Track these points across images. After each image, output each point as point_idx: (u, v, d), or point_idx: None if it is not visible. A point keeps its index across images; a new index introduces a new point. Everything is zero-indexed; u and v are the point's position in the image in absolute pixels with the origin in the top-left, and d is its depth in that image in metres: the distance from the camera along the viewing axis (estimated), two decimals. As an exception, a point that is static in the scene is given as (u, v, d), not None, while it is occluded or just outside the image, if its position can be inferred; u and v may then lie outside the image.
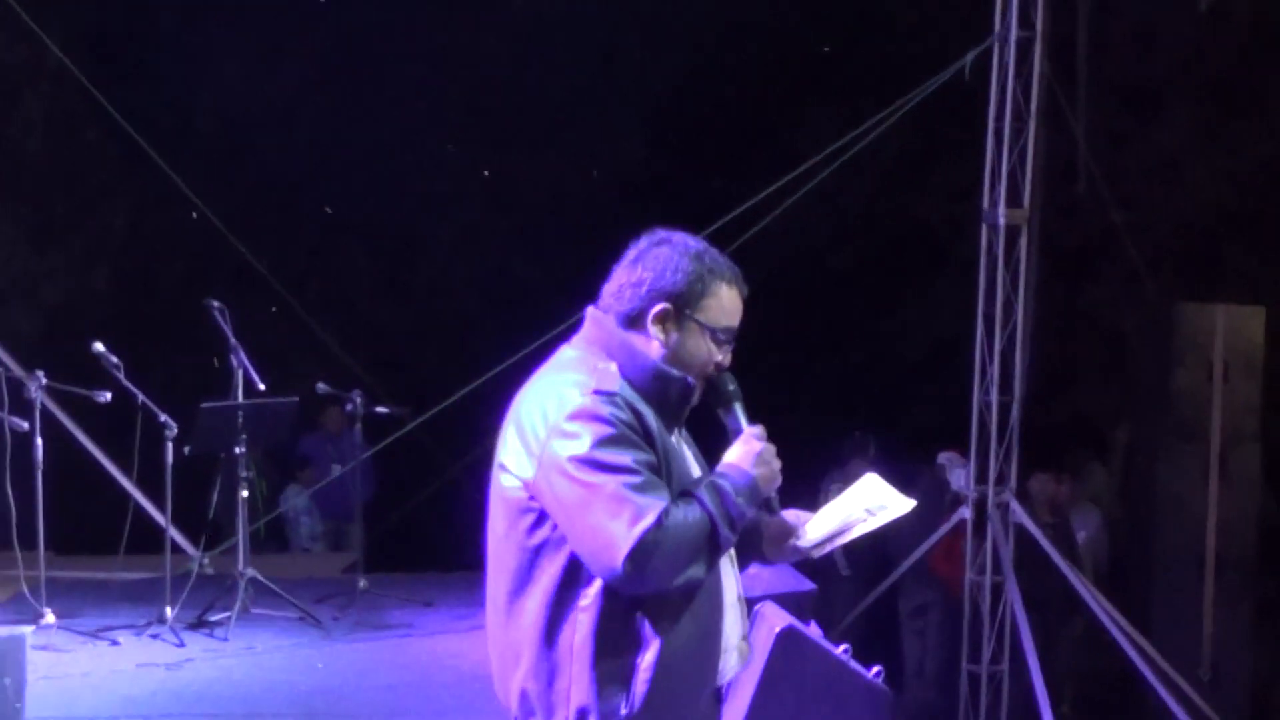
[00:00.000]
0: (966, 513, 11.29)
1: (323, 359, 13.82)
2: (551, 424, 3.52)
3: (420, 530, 12.96)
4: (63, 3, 13.69)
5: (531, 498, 3.56)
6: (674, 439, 3.68)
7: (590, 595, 3.52)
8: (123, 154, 13.38)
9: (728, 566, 3.75)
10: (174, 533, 9.55)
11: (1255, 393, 12.69)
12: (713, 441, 3.86)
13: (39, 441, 8.63)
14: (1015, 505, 11.21)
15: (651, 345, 3.67)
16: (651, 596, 3.50)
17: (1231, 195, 15.45)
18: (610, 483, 3.44)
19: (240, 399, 9.21)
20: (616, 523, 3.40)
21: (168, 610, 8.69)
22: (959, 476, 11.63)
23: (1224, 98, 15.49)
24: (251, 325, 10.08)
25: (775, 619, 6.50)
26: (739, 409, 3.76)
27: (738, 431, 3.74)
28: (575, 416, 3.50)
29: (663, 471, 3.54)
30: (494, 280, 15.95)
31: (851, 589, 11.60)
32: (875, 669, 6.94)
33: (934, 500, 11.81)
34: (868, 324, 16.51)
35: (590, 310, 3.77)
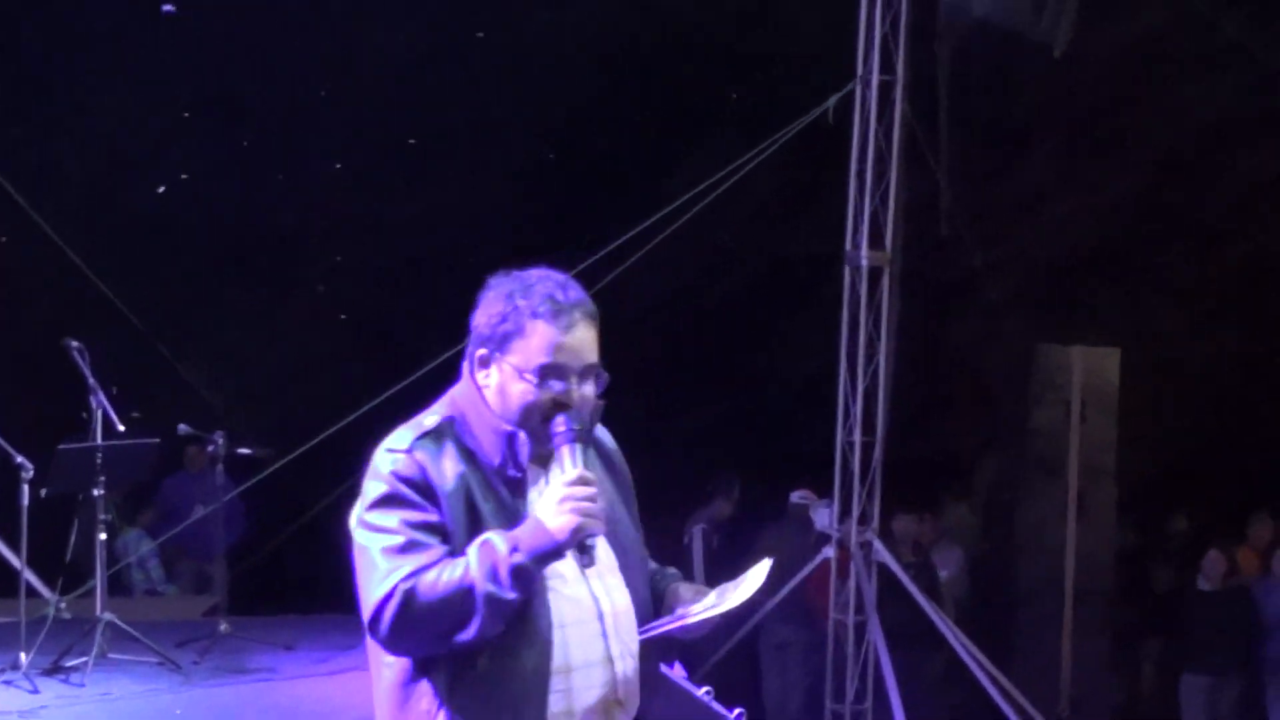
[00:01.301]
0: (830, 551, 11.39)
1: (185, 399, 13.64)
2: (363, 482, 3.55)
3: (283, 572, 12.84)
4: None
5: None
6: (516, 494, 3.55)
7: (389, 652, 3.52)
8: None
9: (591, 624, 3.59)
10: (30, 576, 9.37)
11: (1111, 431, 12.99)
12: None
13: (-110, 484, 8.46)
14: (878, 544, 11.32)
15: (489, 394, 3.60)
16: (437, 658, 3.44)
17: (1089, 237, 15.73)
18: (372, 545, 3.42)
19: (99, 440, 9.08)
20: (368, 586, 3.40)
21: (22, 656, 8.53)
22: (823, 516, 11.74)
23: (1081, 140, 15.79)
24: (113, 365, 9.94)
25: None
26: (567, 451, 3.54)
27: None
28: (368, 475, 3.50)
29: (458, 531, 3.45)
30: (361, 319, 15.85)
31: (716, 630, 11.62)
32: (737, 712, 6.97)
33: (798, 538, 11.91)
34: (735, 362, 16.60)
35: (464, 360, 3.71)
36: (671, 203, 11.92)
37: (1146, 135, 15.79)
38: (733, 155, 11.91)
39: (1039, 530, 12.87)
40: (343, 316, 15.99)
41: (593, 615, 3.60)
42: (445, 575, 3.37)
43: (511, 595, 3.38)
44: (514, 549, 3.39)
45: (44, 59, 14.73)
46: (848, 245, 11.58)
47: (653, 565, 3.90)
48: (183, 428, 10.35)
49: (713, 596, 3.72)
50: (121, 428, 9.10)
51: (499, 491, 3.53)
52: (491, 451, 3.54)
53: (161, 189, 15.14)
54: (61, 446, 8.96)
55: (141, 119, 15.04)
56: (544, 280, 3.61)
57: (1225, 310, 16.73)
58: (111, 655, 8.89)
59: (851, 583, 11.35)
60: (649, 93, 16.33)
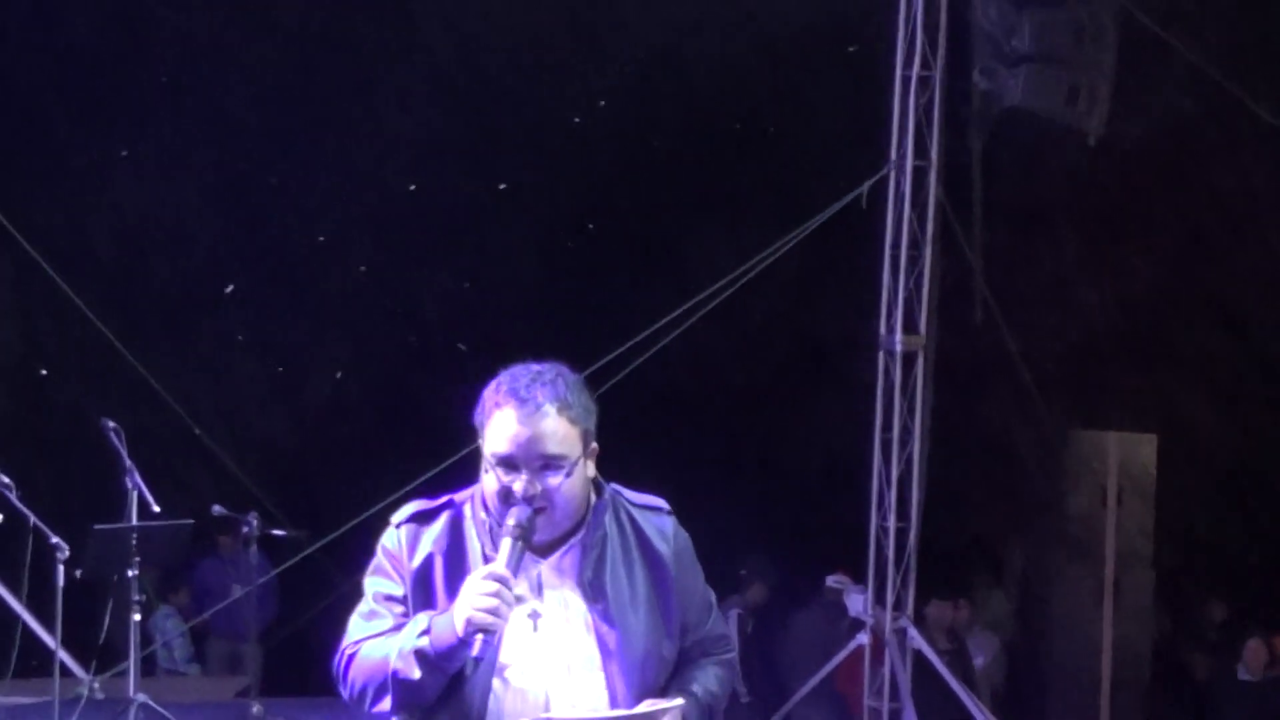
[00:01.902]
0: (864, 638, 11.31)
1: (219, 479, 13.66)
2: None
3: (315, 653, 12.78)
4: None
5: None
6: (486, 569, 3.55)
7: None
8: (16, 268, 13.24)
9: (535, 690, 3.61)
10: (64, 655, 9.35)
11: (1148, 517, 12.89)
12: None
13: (-74, 563, 8.47)
14: (912, 631, 11.24)
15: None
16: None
17: (1121, 321, 15.71)
18: (355, 612, 3.71)
19: (134, 520, 9.09)
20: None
21: (56, 737, 8.51)
22: (856, 602, 11.66)
23: (1113, 224, 15.79)
24: (148, 445, 9.97)
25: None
26: (505, 544, 3.55)
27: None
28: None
29: (414, 606, 3.63)
30: (393, 401, 15.87)
31: (751, 713, 11.55)
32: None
33: (831, 624, 11.84)
34: (767, 445, 16.56)
35: None
36: (701, 284, 11.93)
37: (1179, 218, 15.80)
38: (765, 237, 11.93)
39: (1074, 617, 12.78)
40: (367, 405, 16.01)
41: (538, 710, 3.61)
42: (379, 647, 3.58)
43: (415, 676, 3.52)
44: (424, 632, 3.53)
45: (76, 137, 14.87)
46: (881, 329, 11.56)
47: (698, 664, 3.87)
48: (217, 509, 10.37)
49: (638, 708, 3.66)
50: (157, 509, 9.11)
51: (466, 570, 3.64)
52: (484, 538, 3.67)
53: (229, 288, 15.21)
54: (97, 527, 8.97)
55: (174, 199, 15.16)
56: (523, 372, 3.67)
57: (1260, 394, 16.65)
58: (144, 737, 8.87)
59: (886, 669, 11.26)
60: (681, 173, 16.39)
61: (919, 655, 11.23)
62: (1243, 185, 15.88)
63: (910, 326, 11.53)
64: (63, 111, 15.03)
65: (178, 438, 13.85)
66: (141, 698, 8.89)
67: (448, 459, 10.54)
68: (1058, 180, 15.35)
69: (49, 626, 9.39)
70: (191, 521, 9.67)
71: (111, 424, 9.15)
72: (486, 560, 3.59)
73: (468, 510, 3.70)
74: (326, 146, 15.07)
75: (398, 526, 3.70)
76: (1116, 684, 12.68)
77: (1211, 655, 12.99)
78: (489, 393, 3.66)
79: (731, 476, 16.36)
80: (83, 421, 9.94)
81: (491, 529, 3.63)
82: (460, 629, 3.46)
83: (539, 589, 3.67)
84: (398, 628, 3.59)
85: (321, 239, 15.36)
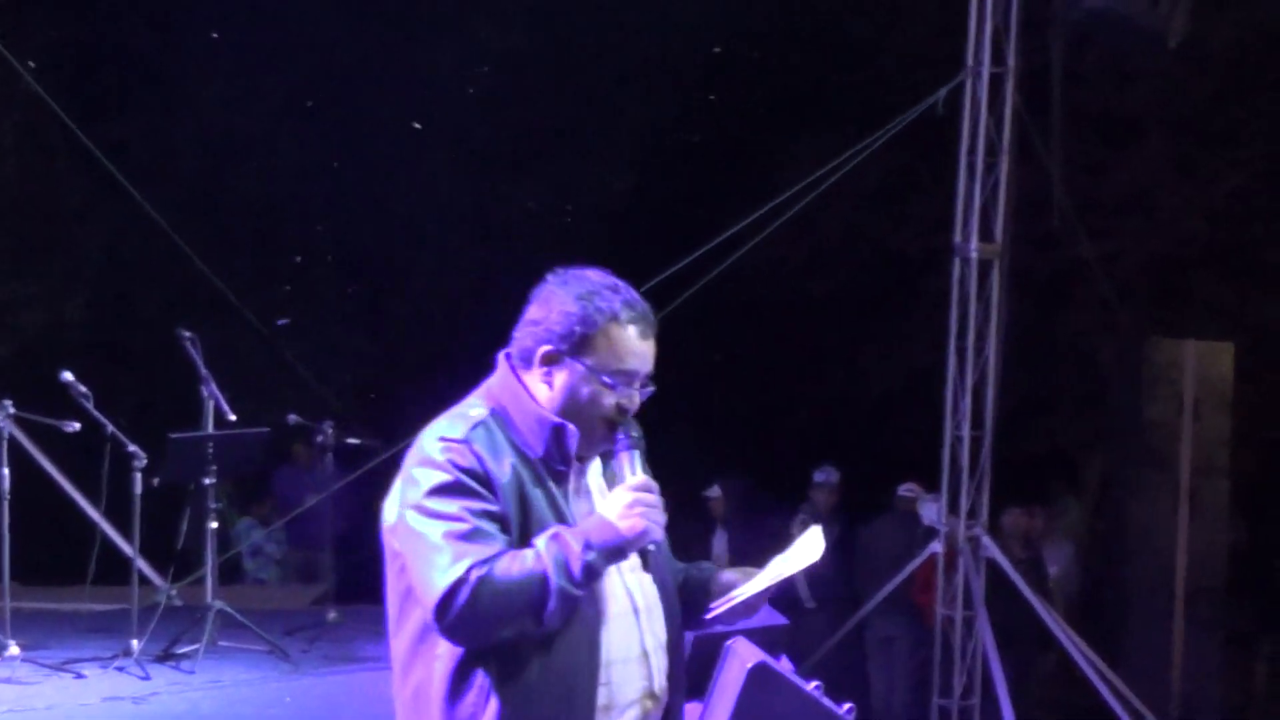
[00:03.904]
0: (938, 547, 11.29)
1: (296, 389, 13.77)
2: (406, 470, 3.53)
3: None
4: (35, 30, 13.64)
5: (394, 542, 3.56)
6: (560, 486, 3.57)
7: (443, 644, 3.47)
8: (97, 182, 13.33)
9: (627, 620, 3.63)
10: (141, 564, 9.49)
11: (1225, 426, 12.79)
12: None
13: (5, 471, 8.56)
14: (987, 540, 11.22)
15: (539, 388, 3.60)
16: (492, 650, 3.44)
17: (1203, 230, 15.51)
18: (434, 531, 3.39)
19: (210, 430, 9.17)
20: (434, 571, 3.36)
21: (134, 643, 8.62)
22: (930, 510, 11.64)
23: (1195, 133, 15.56)
24: (224, 355, 10.04)
25: (747, 654, 6.45)
26: (628, 459, 3.60)
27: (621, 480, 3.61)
28: (421, 463, 3.48)
29: (512, 520, 3.46)
30: (470, 311, 15.92)
31: (819, 622, 11.56)
32: (847, 706, 6.90)
33: (904, 533, 11.83)
34: (844, 355, 16.54)
35: (501, 355, 3.70)
36: (780, 194, 11.85)
37: (1261, 128, 15.55)
38: (843, 146, 11.84)
39: (1150, 527, 12.70)
40: (430, 313, 16.07)
41: (628, 609, 3.65)
42: (517, 564, 3.38)
43: (581, 591, 3.43)
44: (587, 545, 3.42)
45: (157, 52, 14.93)
46: (957, 237, 11.47)
47: (679, 565, 3.92)
48: (292, 417, 10.46)
49: (765, 572, 3.74)
50: (233, 417, 9.18)
51: (546, 484, 3.55)
52: (534, 444, 3.56)
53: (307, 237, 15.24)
54: (173, 436, 9.04)
55: (257, 112, 15.20)
56: (615, 286, 3.64)
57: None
58: (221, 643, 8.99)
59: (959, 578, 11.25)
60: (759, 84, 16.31)
61: (993, 564, 11.20)
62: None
63: (986, 235, 11.44)
64: (142, 24, 15.09)
65: (255, 348, 13.97)
66: (219, 604, 9.00)
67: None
68: (1139, 86, 15.14)
69: (127, 535, 9.53)
70: (267, 430, 9.72)
71: (187, 334, 9.21)
72: (556, 468, 3.56)
73: (516, 419, 3.58)
74: (412, 59, 15.06)
75: (465, 441, 3.46)
76: (1191, 593, 12.61)
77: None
78: (597, 304, 3.57)
79: (810, 385, 16.36)
80: (160, 332, 9.99)
81: (562, 433, 3.55)
82: (631, 537, 3.47)
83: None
84: (510, 546, 3.42)
85: (402, 154, 15.38)
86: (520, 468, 3.50)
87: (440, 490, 3.44)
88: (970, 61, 11.38)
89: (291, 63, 15.01)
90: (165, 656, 8.76)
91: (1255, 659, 13.89)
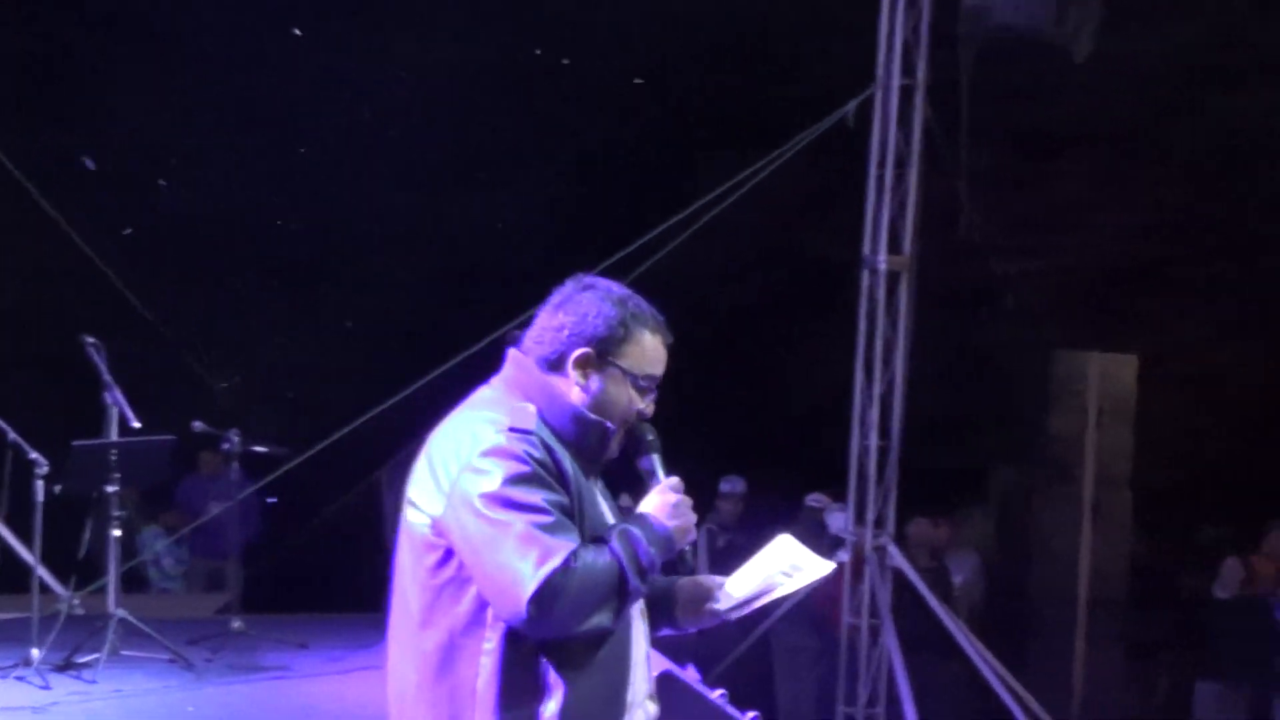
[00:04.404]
0: (845, 556, 11.36)
1: (202, 397, 13.65)
2: (464, 460, 3.44)
3: (297, 571, 12.84)
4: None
5: (438, 534, 3.47)
6: (590, 485, 3.61)
7: (494, 638, 3.42)
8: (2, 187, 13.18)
9: (638, 622, 3.69)
10: (43, 572, 9.36)
11: (1128, 439, 12.95)
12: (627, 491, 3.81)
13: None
14: (893, 549, 11.30)
15: (571, 390, 3.61)
16: (556, 643, 3.41)
17: (1107, 245, 15.71)
18: (519, 521, 3.34)
19: (114, 437, 9.07)
20: (524, 562, 3.30)
21: (34, 652, 8.51)
22: (837, 520, 11.71)
23: (1101, 149, 15.76)
24: (128, 363, 9.93)
25: (652, 663, 6.47)
26: (657, 459, 3.70)
27: (655, 482, 3.68)
28: (489, 453, 3.42)
29: (575, 515, 3.46)
30: (377, 317, 15.87)
31: (726, 631, 11.56)
32: (752, 715, 6.94)
33: (811, 542, 11.86)
34: (754, 366, 16.59)
35: (511, 352, 3.72)
36: (689, 205, 11.89)
37: (1168, 146, 15.77)
38: (755, 160, 11.89)
39: (1054, 537, 12.86)
40: (348, 324, 16.01)
41: (640, 611, 3.72)
42: (599, 559, 3.39)
43: (644, 589, 3.51)
44: (650, 544, 3.48)
45: (67, 59, 14.76)
46: (866, 249, 11.55)
47: None
48: (198, 425, 10.34)
49: (752, 578, 3.80)
50: (137, 424, 9.08)
51: (585, 483, 3.58)
52: (577, 444, 3.57)
53: (163, 183, 15.16)
54: (76, 443, 8.94)
55: (160, 120, 15.06)
56: (636, 295, 3.73)
57: (1241, 319, 16.70)
58: (124, 652, 8.89)
59: (865, 587, 11.32)
60: (671, 98, 16.33)
61: (899, 573, 11.28)
62: (1229, 113, 15.84)
63: (895, 246, 11.53)
64: (55, 29, 14.92)
65: (160, 356, 13.84)
66: (121, 613, 8.90)
67: (423, 378, 10.57)
68: (1049, 103, 15.30)
69: (28, 543, 9.40)
70: (172, 437, 9.62)
71: (91, 340, 9.11)
72: (586, 475, 3.58)
73: (550, 417, 3.59)
74: (342, 68, 14.99)
75: (529, 434, 3.46)
76: (1094, 603, 12.78)
77: (1201, 575, 13.08)
78: (631, 311, 3.66)
79: (718, 396, 16.40)
80: (64, 339, 9.87)
81: (606, 434, 3.61)
82: (680, 540, 3.57)
83: None
84: (581, 541, 3.42)
85: (305, 154, 15.29)
86: (572, 463, 3.52)
87: (520, 480, 3.39)
88: (880, 74, 11.47)
89: (206, 69, 14.89)
90: (66, 666, 8.64)
91: (1156, 670, 14.06)
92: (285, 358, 15.92)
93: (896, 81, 11.43)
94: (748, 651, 11.50)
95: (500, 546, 3.34)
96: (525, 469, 3.40)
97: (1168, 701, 13.75)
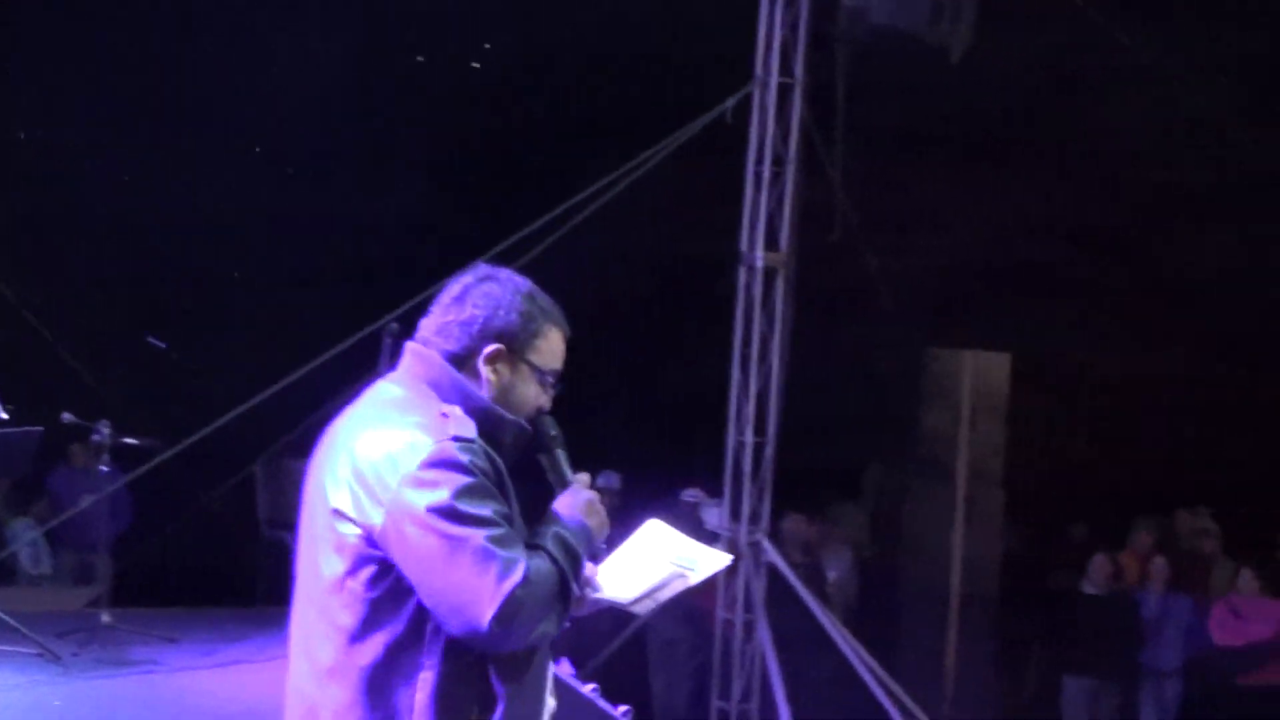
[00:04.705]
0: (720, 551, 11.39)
1: (72, 389, 13.46)
2: (404, 470, 3.27)
3: (168, 565, 12.70)
4: None
5: (374, 547, 3.30)
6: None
7: (435, 652, 3.30)
8: None
9: None
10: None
11: (999, 436, 13.10)
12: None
13: None
14: (768, 545, 11.36)
15: (481, 386, 3.50)
16: (502, 655, 3.32)
17: (980, 244, 15.90)
18: (474, 536, 3.21)
19: (-21, 429, 8.94)
20: (482, 579, 3.19)
21: (-102, 646, 8.37)
22: (712, 515, 11.76)
23: (977, 149, 15.94)
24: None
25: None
26: (563, 455, 3.62)
27: (560, 478, 3.60)
28: (433, 464, 3.26)
29: (514, 522, 3.36)
30: (249, 312, 15.73)
31: (601, 625, 11.59)
32: (624, 709, 6.96)
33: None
34: (631, 362, 16.62)
35: (413, 346, 3.57)
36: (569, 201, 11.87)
37: (1042, 147, 15.99)
38: (633, 157, 11.90)
39: (926, 534, 12.99)
40: (213, 312, 15.87)
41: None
42: (544, 567, 3.31)
43: (579, 591, 3.44)
44: (579, 546, 3.43)
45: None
46: (743, 246, 11.60)
47: None
48: (67, 416, 10.19)
49: (631, 566, 3.74)
50: (4, 415, 8.95)
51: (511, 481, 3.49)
52: (494, 445, 3.43)
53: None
54: (-58, 435, 8.80)
55: (40, 112, 14.87)
56: (537, 287, 3.63)
57: (1113, 320, 16.97)
58: (-12, 646, 8.76)
59: (740, 582, 11.37)
60: (550, 95, 16.31)
61: (773, 569, 11.35)
62: (1103, 115, 16.09)
63: (772, 244, 11.59)
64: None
65: (30, 345, 13.64)
66: (-13, 606, 8.77)
67: (296, 372, 10.49)
68: (924, 103, 15.46)
69: (-109, 535, 9.25)
70: (40, 429, 9.49)
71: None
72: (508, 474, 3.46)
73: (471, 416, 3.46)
74: (219, 68, 14.84)
75: (472, 443, 3.31)
76: (966, 599, 12.93)
77: (1071, 572, 13.28)
78: (542, 307, 3.59)
79: (595, 392, 16.39)
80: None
81: (522, 432, 3.52)
82: (598, 537, 3.52)
83: None
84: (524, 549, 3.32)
85: (182, 148, 15.16)
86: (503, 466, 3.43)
87: (468, 492, 3.25)
88: (759, 72, 11.53)
89: (103, 65, 14.70)
90: (-70, 660, 8.51)
91: (1026, 665, 14.26)
92: (153, 349, 15.75)
93: (775, 79, 11.49)
94: (622, 646, 11.51)
95: (455, 562, 3.21)
96: (472, 480, 3.27)
97: (1037, 696, 13.95)
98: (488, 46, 15.85)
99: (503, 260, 11.42)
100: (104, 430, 9.99)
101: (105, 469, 10.30)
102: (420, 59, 15.69)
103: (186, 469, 12.08)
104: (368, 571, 3.33)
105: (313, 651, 3.44)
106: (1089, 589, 12.41)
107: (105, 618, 9.63)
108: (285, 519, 11.41)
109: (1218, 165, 15.77)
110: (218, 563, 12.87)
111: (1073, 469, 16.70)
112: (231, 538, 12.69)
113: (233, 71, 14.92)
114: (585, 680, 7.12)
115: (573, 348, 3.65)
